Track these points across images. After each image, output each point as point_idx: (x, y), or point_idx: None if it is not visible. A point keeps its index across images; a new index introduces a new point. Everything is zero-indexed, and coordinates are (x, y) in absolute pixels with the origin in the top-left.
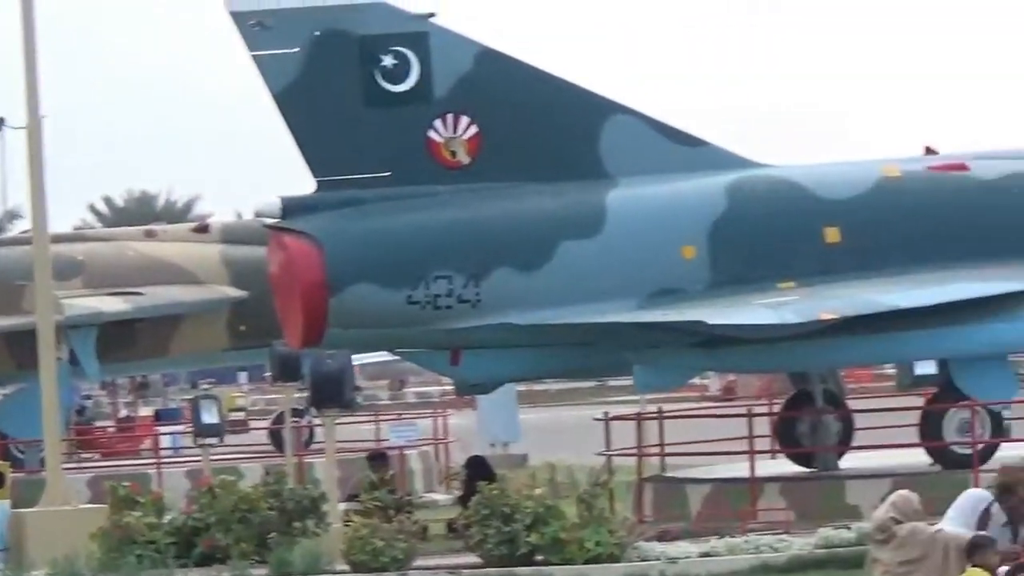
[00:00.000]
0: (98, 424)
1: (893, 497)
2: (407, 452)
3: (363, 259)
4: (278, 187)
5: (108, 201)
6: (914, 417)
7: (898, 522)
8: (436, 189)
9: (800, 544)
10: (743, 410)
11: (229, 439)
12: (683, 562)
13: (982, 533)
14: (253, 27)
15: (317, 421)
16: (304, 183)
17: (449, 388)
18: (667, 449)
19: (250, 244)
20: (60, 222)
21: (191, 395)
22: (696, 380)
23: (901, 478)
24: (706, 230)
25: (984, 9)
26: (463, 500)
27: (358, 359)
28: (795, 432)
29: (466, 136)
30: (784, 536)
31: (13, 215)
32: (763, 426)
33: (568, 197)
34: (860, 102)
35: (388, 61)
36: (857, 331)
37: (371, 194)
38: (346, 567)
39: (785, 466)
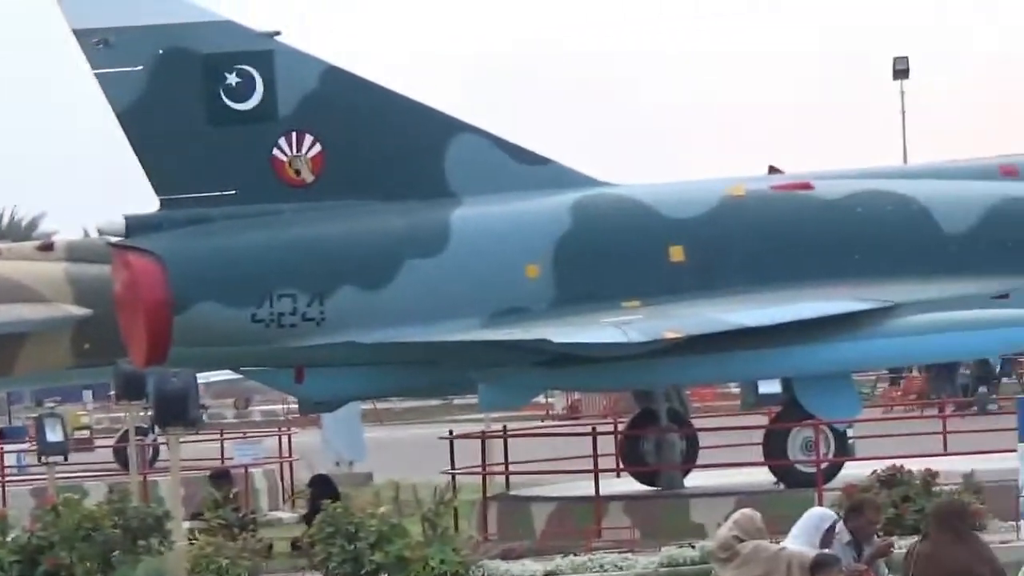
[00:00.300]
0: None
1: (736, 515)
2: (252, 470)
3: (207, 277)
4: (124, 205)
5: None
6: (758, 436)
7: (741, 540)
8: (280, 208)
9: (644, 563)
10: (588, 428)
11: (74, 457)
12: None
13: (826, 552)
14: (96, 45)
15: (162, 439)
16: (150, 201)
17: (294, 406)
18: (512, 467)
19: (95, 262)
20: None
21: (36, 413)
22: (541, 398)
23: (745, 496)
24: (550, 249)
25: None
26: (307, 518)
27: (203, 377)
28: (640, 450)
29: (310, 154)
30: (628, 554)
31: None
32: (608, 444)
33: (412, 216)
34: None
35: (232, 79)
36: (701, 350)
37: (215, 212)
38: None
39: (630, 484)
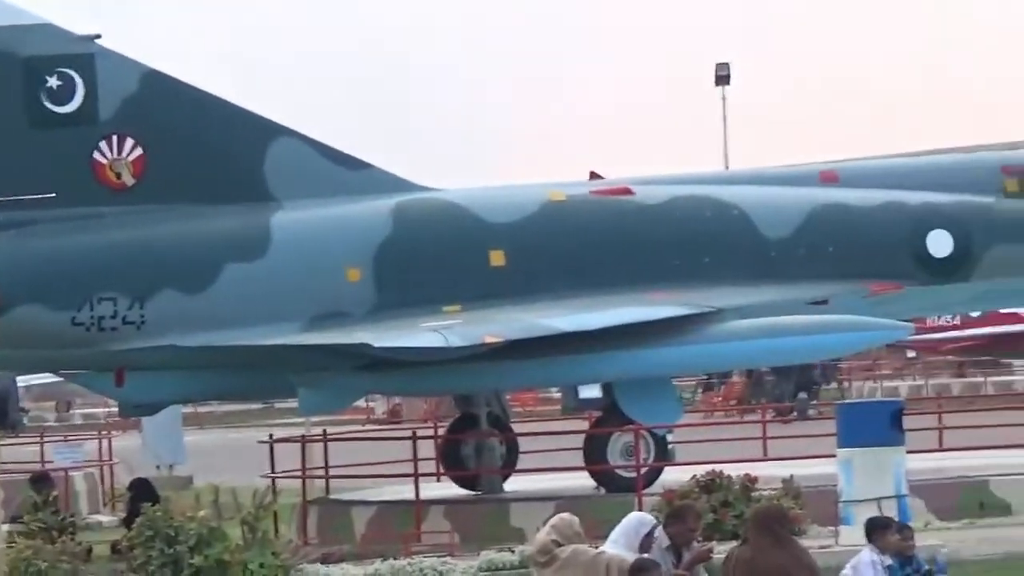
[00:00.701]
0: None
1: (555, 520)
2: (72, 473)
3: (28, 280)
4: None
5: None
6: (579, 440)
7: (560, 544)
8: (101, 211)
9: (464, 567)
10: (408, 433)
11: None
12: None
13: (645, 556)
14: None
15: None
16: None
17: (115, 410)
18: (332, 471)
19: None
20: None
21: None
22: (362, 403)
23: (564, 501)
24: (371, 253)
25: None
26: (127, 522)
27: (23, 380)
28: (460, 455)
29: (131, 158)
30: (448, 559)
31: None
32: (428, 449)
33: (233, 220)
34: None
35: (53, 82)
36: (522, 354)
37: (37, 215)
38: None
39: (450, 489)
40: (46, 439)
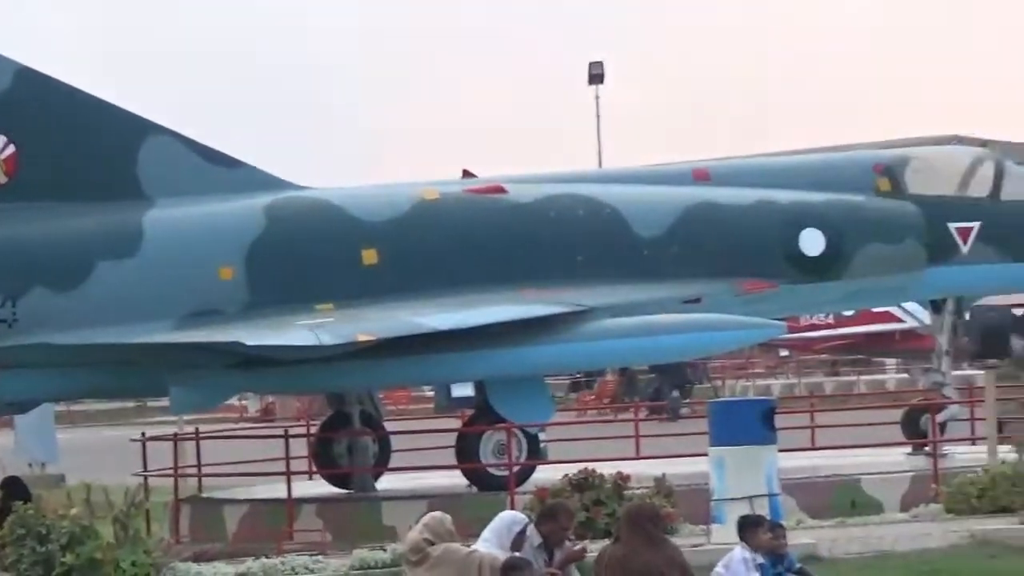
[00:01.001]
0: None
1: (427, 518)
2: None
3: None
4: None
5: None
6: (451, 439)
7: (432, 543)
8: None
9: (336, 565)
10: (281, 431)
11: None
12: None
13: (517, 555)
14: None
15: None
16: None
17: None
18: (205, 470)
19: None
20: None
21: None
22: (235, 401)
23: (436, 499)
24: (243, 251)
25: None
26: None
27: None
28: (332, 453)
29: (3, 155)
30: (320, 557)
31: None
32: (301, 447)
33: (105, 217)
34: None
35: None
36: (394, 353)
37: None
38: None
39: (323, 487)
40: None
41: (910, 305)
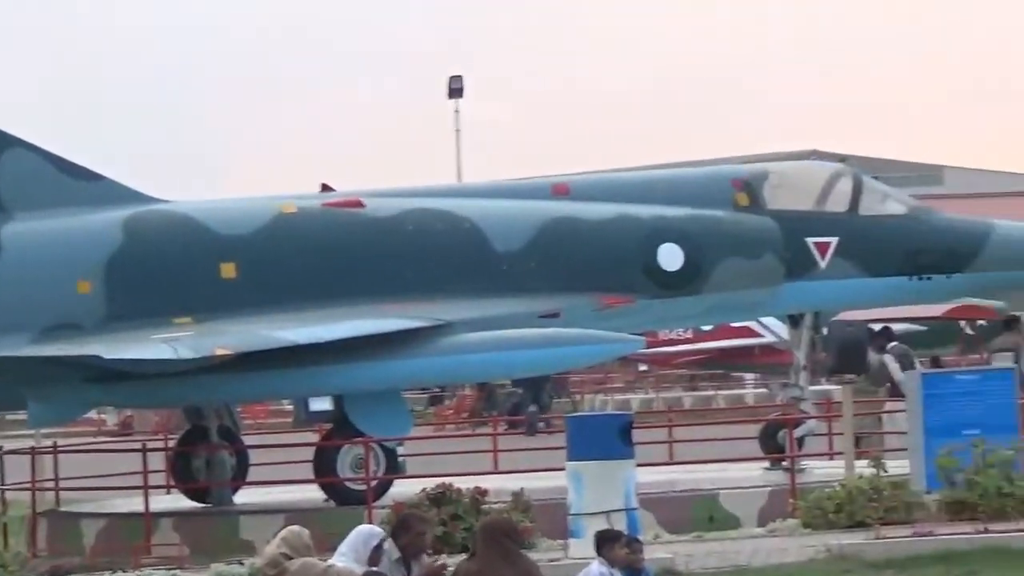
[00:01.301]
0: None
1: (284, 532)
2: None
3: None
4: None
5: None
6: (309, 453)
7: (289, 557)
8: None
9: None
10: (139, 445)
11: None
12: None
13: (374, 569)
14: None
15: None
16: None
17: None
18: (62, 483)
19: None
20: None
21: None
22: (93, 414)
23: (294, 514)
24: (102, 265)
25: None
26: None
27: None
28: (190, 467)
29: None
30: (177, 571)
31: None
32: (159, 461)
33: None
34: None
35: None
36: (252, 367)
37: None
38: None
39: (181, 501)
40: None
41: (768, 320)
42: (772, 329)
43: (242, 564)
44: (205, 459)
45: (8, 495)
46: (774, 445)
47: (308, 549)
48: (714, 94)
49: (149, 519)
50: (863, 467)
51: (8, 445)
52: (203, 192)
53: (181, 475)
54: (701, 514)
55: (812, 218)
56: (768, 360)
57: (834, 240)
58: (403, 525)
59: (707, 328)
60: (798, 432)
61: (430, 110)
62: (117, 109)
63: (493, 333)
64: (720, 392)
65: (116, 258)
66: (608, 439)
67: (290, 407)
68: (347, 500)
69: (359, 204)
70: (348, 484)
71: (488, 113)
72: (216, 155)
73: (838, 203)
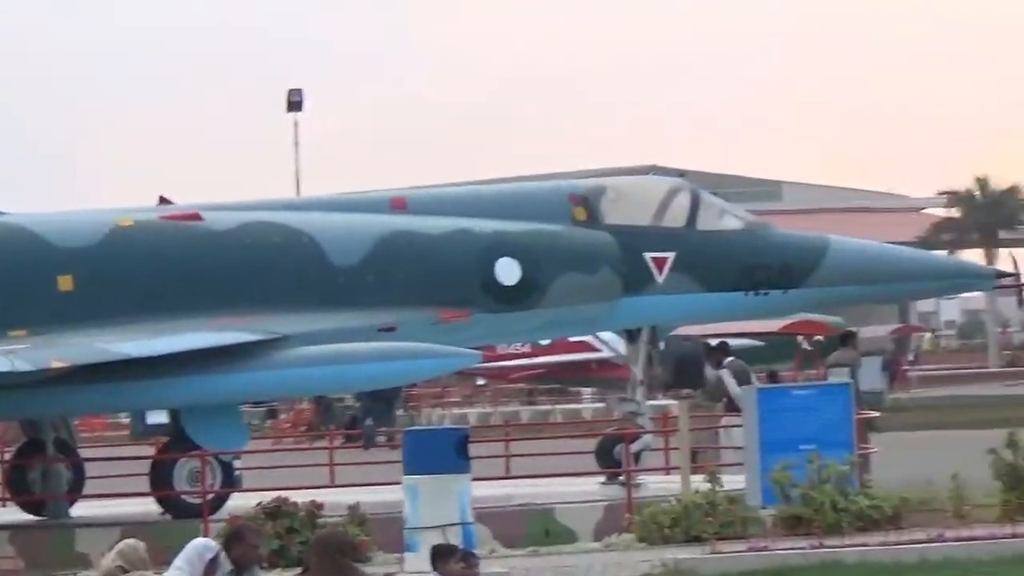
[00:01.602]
0: None
1: (120, 545)
2: None
3: None
4: None
5: None
6: (146, 466)
7: (125, 571)
8: None
9: None
10: None
11: None
12: None
13: None
14: None
15: None
16: None
17: None
18: None
19: None
20: None
21: None
22: None
23: (130, 526)
24: None
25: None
26: None
27: None
28: (26, 480)
29: None
30: None
31: None
32: None
33: None
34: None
35: None
36: (89, 379)
37: None
38: None
39: (16, 514)
40: None
41: (606, 335)
42: (609, 344)
43: None
44: (41, 472)
45: None
46: (611, 460)
47: (144, 563)
48: (555, 108)
49: None
50: (699, 482)
51: None
52: (42, 205)
53: (16, 488)
54: (537, 528)
55: (649, 233)
56: (605, 375)
57: (671, 255)
58: (236, 537)
59: (545, 342)
60: (635, 447)
61: (270, 123)
62: None
63: (330, 347)
64: (557, 406)
65: None
66: (444, 453)
67: (127, 420)
68: (183, 513)
69: (197, 217)
70: (184, 497)
71: (329, 126)
72: (57, 168)
73: (676, 218)
